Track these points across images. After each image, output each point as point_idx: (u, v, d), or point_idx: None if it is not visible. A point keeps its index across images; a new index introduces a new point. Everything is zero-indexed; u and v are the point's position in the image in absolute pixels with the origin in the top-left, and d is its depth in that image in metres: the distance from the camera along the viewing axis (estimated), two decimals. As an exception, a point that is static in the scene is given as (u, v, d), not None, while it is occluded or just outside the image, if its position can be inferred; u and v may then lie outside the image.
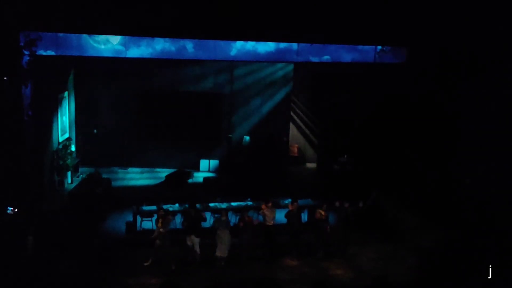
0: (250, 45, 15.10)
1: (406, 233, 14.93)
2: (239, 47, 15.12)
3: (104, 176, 17.64)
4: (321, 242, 13.85)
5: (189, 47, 14.86)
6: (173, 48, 14.83)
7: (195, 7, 13.60)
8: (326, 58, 15.62)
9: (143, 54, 14.80)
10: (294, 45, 15.38)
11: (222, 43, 15.02)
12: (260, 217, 14.01)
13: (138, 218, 14.69)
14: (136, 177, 19.25)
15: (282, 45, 15.32)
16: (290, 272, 12.94)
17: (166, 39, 14.63)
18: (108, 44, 14.47)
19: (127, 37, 14.52)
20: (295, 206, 13.88)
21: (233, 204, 15.44)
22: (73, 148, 18.33)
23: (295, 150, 21.98)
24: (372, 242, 14.71)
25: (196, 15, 13.75)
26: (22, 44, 13.60)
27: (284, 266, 13.29)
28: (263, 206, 13.75)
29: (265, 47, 15.28)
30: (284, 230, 13.91)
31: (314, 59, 15.59)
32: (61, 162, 17.06)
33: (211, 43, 14.94)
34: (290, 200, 14.28)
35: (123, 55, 14.69)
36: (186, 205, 14.27)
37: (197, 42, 14.81)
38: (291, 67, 19.96)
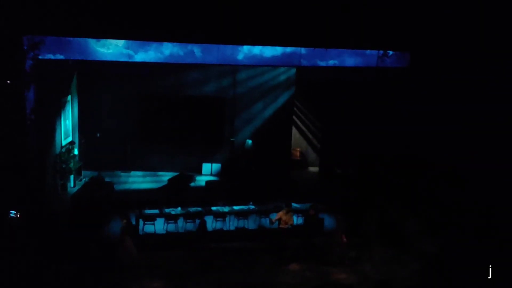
0: (257, 49, 15.13)
1: (409, 237, 14.90)
2: (246, 51, 15.13)
3: (107, 179, 17.66)
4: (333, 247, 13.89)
5: (197, 51, 14.87)
6: (181, 53, 14.83)
7: (202, 11, 13.66)
8: (332, 62, 15.64)
9: (151, 58, 14.81)
10: (301, 50, 15.40)
11: (229, 47, 15.05)
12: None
13: (141, 222, 14.68)
14: (138, 180, 19.25)
15: (289, 49, 15.34)
16: (293, 276, 12.92)
17: (175, 43, 14.64)
18: (116, 49, 14.45)
19: (135, 41, 14.53)
20: (314, 210, 14.08)
21: (235, 207, 15.45)
22: (76, 151, 18.32)
23: (297, 154, 21.96)
24: (375, 246, 14.67)
25: (203, 20, 13.79)
26: (25, 47, 13.62)
27: (287, 270, 13.26)
28: (286, 211, 13.91)
29: (272, 51, 15.28)
30: (296, 233, 14.08)
31: (322, 63, 15.60)
32: (64, 166, 17.05)
33: (218, 47, 14.97)
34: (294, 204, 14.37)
35: (131, 60, 14.71)
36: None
37: (204, 47, 14.83)
38: (293, 71, 19.92)
